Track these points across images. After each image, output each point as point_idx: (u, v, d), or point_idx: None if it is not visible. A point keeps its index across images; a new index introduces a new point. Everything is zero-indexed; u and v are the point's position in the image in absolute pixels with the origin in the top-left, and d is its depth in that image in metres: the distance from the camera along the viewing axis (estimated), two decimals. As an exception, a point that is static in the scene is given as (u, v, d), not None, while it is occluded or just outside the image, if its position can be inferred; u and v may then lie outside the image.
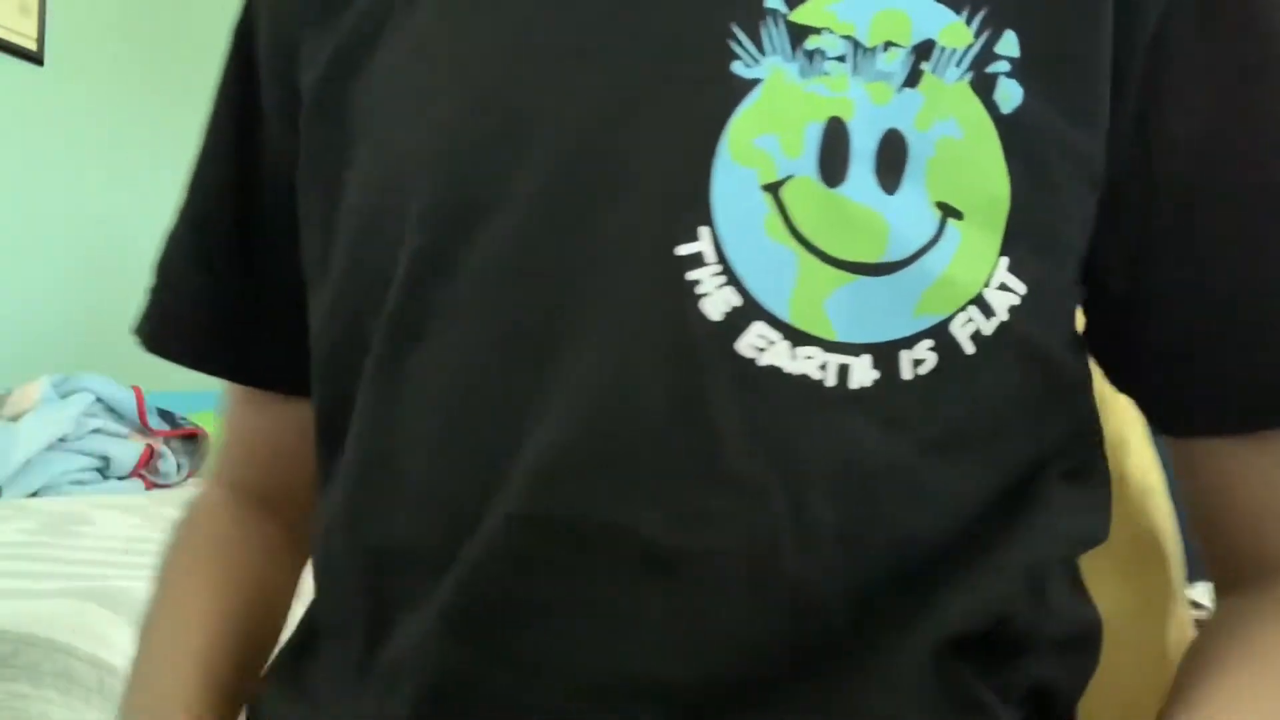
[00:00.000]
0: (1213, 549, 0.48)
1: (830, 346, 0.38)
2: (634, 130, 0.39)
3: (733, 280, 0.38)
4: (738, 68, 0.39)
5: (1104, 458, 0.46)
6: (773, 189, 0.38)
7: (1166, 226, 0.42)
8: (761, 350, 0.38)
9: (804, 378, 0.38)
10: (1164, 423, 0.47)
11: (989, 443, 0.41)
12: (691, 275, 0.38)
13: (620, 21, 0.41)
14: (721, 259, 0.38)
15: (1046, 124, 0.39)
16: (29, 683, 0.94)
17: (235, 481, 0.61)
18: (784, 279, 0.38)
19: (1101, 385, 0.46)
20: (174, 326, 0.57)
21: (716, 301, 0.38)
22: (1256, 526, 0.46)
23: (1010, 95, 0.39)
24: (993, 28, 0.39)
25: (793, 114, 0.38)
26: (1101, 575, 0.47)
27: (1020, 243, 0.39)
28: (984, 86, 0.39)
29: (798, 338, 0.38)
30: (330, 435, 0.47)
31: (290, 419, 0.57)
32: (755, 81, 0.39)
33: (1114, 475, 0.48)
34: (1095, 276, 0.43)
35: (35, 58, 2.45)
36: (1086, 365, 0.44)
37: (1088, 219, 0.41)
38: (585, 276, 0.39)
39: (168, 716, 0.49)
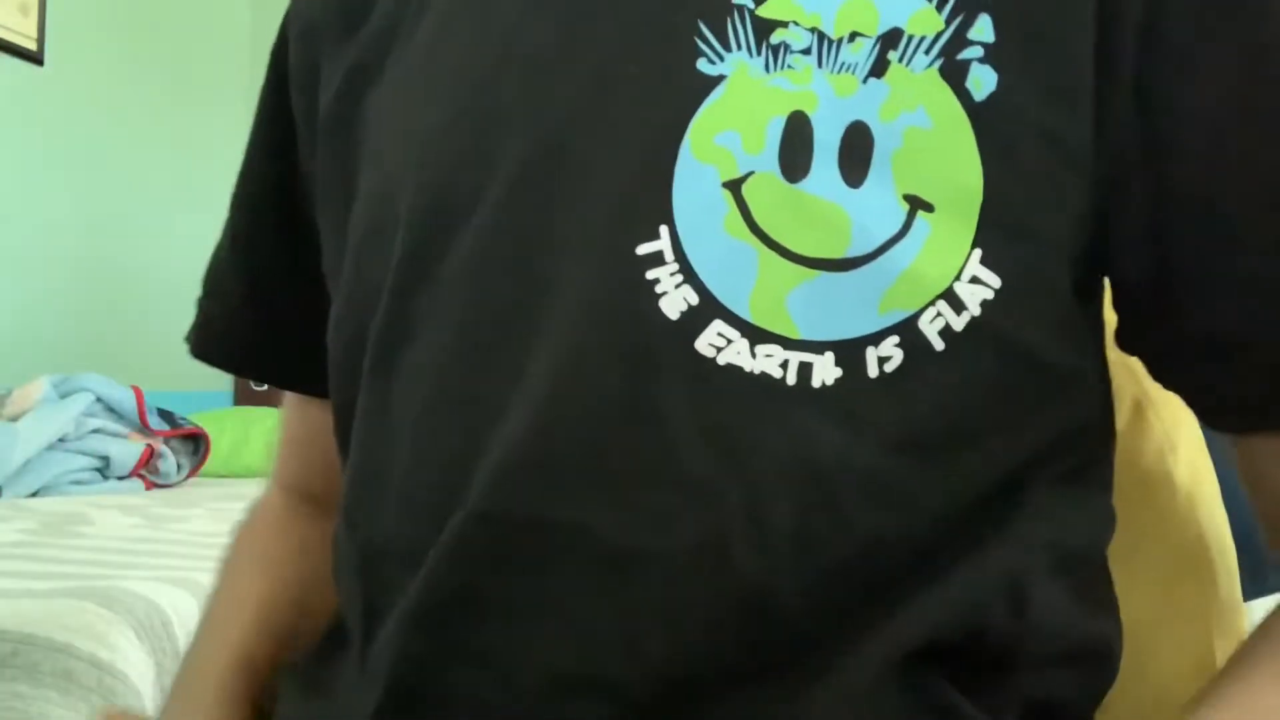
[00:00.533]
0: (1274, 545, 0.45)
1: (791, 344, 0.38)
2: (597, 131, 0.40)
3: (690, 279, 0.38)
4: (702, 65, 0.39)
5: (1110, 462, 0.45)
6: (733, 186, 0.38)
7: (1186, 200, 0.39)
8: (720, 349, 0.38)
9: (764, 376, 0.38)
10: (1215, 419, 0.44)
11: (963, 443, 0.39)
12: (651, 274, 0.38)
13: (590, 24, 0.41)
14: (680, 257, 0.38)
15: (1022, 110, 0.38)
16: (29, 683, 0.94)
17: (290, 483, 0.64)
18: (744, 276, 0.38)
19: (1148, 384, 0.44)
20: (218, 334, 0.60)
21: (675, 300, 0.38)
22: None
23: (983, 81, 0.38)
24: (965, 12, 0.38)
25: (755, 110, 0.38)
26: (1136, 582, 0.47)
27: (995, 233, 0.38)
28: (955, 74, 0.38)
29: (757, 336, 0.38)
30: (343, 439, 0.49)
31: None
32: (719, 78, 0.39)
33: (1159, 480, 0.46)
34: (1115, 266, 0.41)
35: (35, 58, 2.45)
36: (1087, 361, 0.42)
37: (1076, 205, 0.39)
38: (546, 278, 0.40)
39: (200, 691, 0.54)
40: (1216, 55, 0.39)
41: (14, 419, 1.94)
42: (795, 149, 0.38)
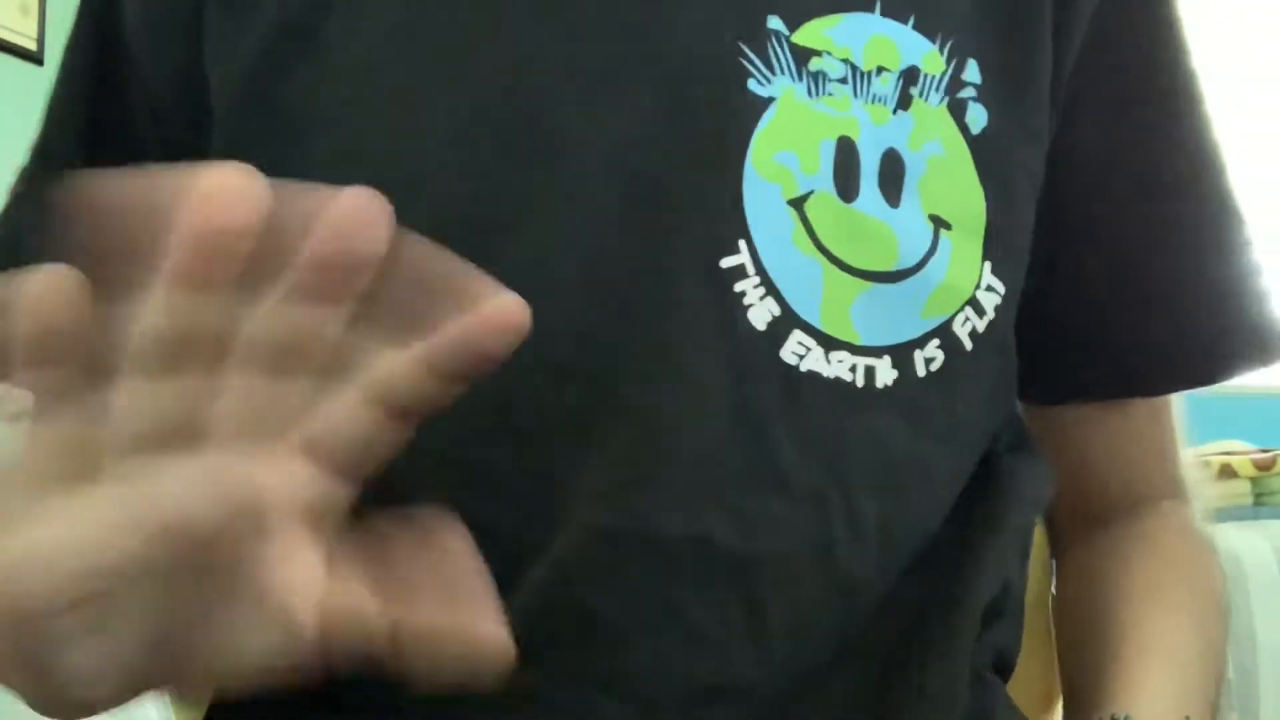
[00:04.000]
0: (1063, 497, 0.54)
1: (856, 350, 0.41)
2: (665, 146, 0.40)
3: (771, 290, 0.40)
4: (753, 85, 0.40)
5: (1032, 434, 0.52)
6: (796, 204, 0.40)
7: (1067, 228, 0.48)
8: (801, 357, 0.40)
9: (838, 380, 0.40)
10: (1038, 392, 0.52)
11: (977, 428, 0.45)
12: (738, 287, 0.40)
13: (632, 39, 0.41)
14: (760, 270, 0.40)
15: (1007, 144, 0.44)
16: (29, 683, 0.93)
17: None
18: (813, 288, 0.40)
19: None
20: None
21: (761, 311, 0.40)
22: (1105, 476, 0.54)
23: (978, 118, 0.43)
24: (959, 56, 0.43)
25: (807, 131, 0.40)
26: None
27: (997, 249, 0.43)
28: (958, 110, 0.43)
29: (829, 343, 0.40)
30: None
31: None
32: (770, 100, 0.40)
33: None
34: None
35: (35, 58, 2.45)
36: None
37: (1031, 224, 0.46)
38: (635, 291, 0.40)
39: None
40: (1108, 91, 0.48)
41: (14, 419, 1.94)
42: (847, 170, 0.41)
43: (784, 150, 0.40)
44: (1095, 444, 0.53)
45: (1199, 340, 0.50)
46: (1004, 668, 0.49)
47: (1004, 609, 0.46)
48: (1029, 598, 0.53)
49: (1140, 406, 0.53)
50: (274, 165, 0.42)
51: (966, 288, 0.42)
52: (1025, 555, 0.48)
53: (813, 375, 0.40)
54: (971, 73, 0.43)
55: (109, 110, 0.48)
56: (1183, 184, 0.50)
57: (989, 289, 0.43)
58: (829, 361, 0.40)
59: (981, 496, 0.45)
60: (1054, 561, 0.57)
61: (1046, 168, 0.46)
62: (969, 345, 0.43)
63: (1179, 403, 0.55)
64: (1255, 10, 2.46)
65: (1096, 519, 0.54)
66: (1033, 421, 0.53)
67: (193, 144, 0.45)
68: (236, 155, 0.43)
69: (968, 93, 0.43)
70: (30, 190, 0.50)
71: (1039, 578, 0.57)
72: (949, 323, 0.42)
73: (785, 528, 0.40)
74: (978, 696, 0.44)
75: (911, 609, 0.42)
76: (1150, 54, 0.49)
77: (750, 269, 0.40)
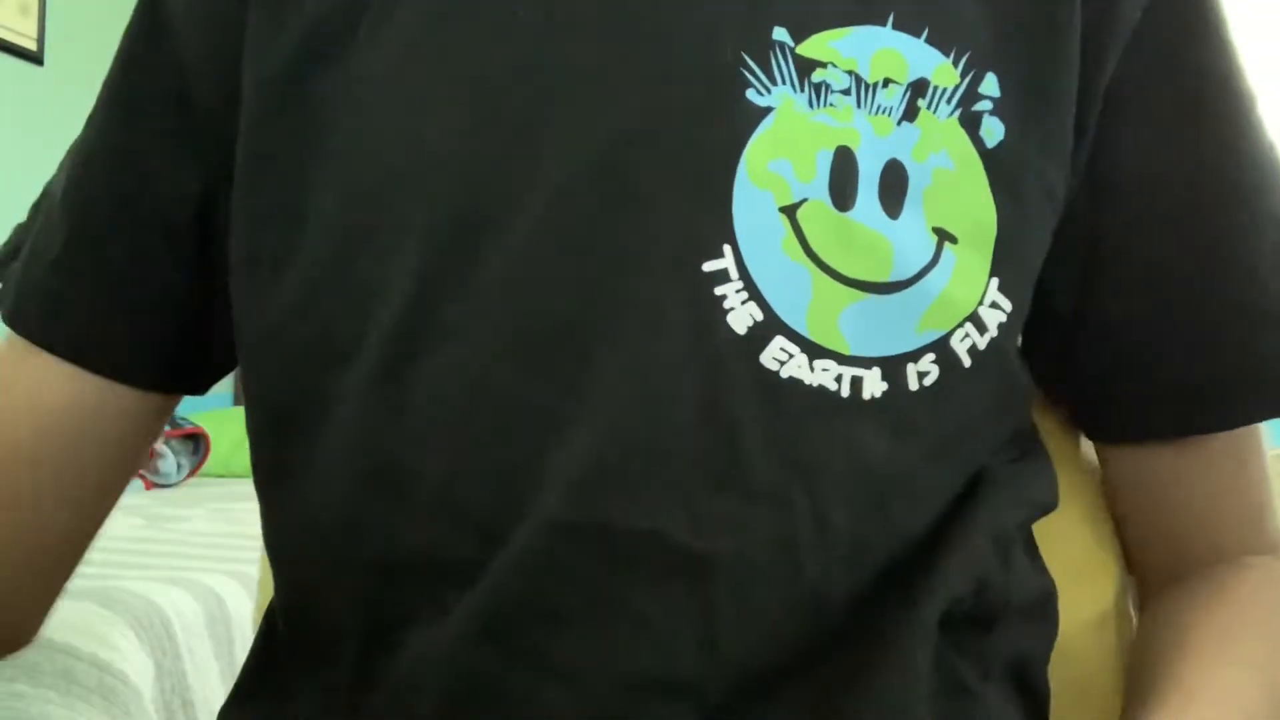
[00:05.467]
0: (1142, 550, 0.53)
1: (844, 360, 0.41)
2: (651, 149, 0.40)
3: (755, 296, 0.40)
4: (751, 95, 0.41)
5: (1044, 448, 0.50)
6: (789, 211, 0.40)
7: (1111, 253, 0.47)
8: (783, 363, 0.40)
9: (821, 389, 0.40)
10: (1102, 431, 0.52)
11: (971, 444, 0.45)
12: (719, 290, 0.40)
13: (630, 43, 0.41)
14: (744, 275, 0.40)
15: (1024, 158, 0.43)
16: (28, 683, 0.94)
17: None
18: (801, 296, 0.40)
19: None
20: (31, 295, 0.50)
21: (741, 316, 0.40)
22: (1185, 525, 0.51)
23: (993, 131, 0.43)
24: (976, 69, 0.43)
25: (804, 141, 0.41)
26: (1045, 541, 0.50)
27: (1006, 265, 0.43)
28: (971, 123, 0.42)
29: (815, 351, 0.40)
30: (289, 434, 0.45)
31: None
32: (768, 110, 0.41)
33: (1066, 457, 0.52)
34: (1042, 296, 0.46)
35: (35, 58, 2.45)
36: (1028, 376, 0.48)
37: (1046, 242, 0.45)
38: (609, 289, 0.40)
39: None
40: (1156, 108, 0.46)
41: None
42: (843, 180, 0.40)
43: (779, 158, 0.40)
44: (1170, 490, 0.51)
45: (1264, 366, 0.47)
46: (1029, 679, 0.47)
47: (994, 614, 0.45)
48: (1088, 616, 0.51)
49: (1217, 450, 0.50)
50: (294, 164, 0.45)
51: (969, 303, 0.42)
52: (1008, 556, 0.46)
53: (794, 382, 0.40)
54: (989, 86, 0.43)
55: (142, 95, 0.50)
56: (1239, 200, 0.47)
57: (994, 305, 0.43)
58: (813, 369, 0.40)
59: (967, 501, 0.45)
60: (1136, 609, 0.55)
61: (1084, 186, 0.45)
62: (967, 362, 0.42)
63: (1270, 450, 0.51)
64: (1256, 10, 2.47)
65: (1177, 571, 0.51)
66: (1107, 465, 0.52)
67: (219, 135, 0.47)
68: (261, 153, 0.46)
69: (984, 105, 0.43)
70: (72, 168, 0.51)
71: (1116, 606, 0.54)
72: (946, 338, 0.42)
73: (743, 529, 0.40)
74: (953, 704, 0.43)
75: (875, 613, 0.42)
76: (1201, 65, 0.47)
77: (733, 273, 0.40)
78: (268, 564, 0.65)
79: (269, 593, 0.63)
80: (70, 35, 2.53)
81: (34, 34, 2.45)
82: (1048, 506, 0.49)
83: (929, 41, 0.42)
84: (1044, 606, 0.49)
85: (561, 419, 0.40)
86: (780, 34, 0.41)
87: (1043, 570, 0.49)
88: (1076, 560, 0.52)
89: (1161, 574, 0.52)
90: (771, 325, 0.40)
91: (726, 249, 0.40)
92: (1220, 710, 0.42)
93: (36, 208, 0.53)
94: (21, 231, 0.52)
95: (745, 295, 0.40)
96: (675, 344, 0.40)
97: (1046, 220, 0.44)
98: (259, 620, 0.60)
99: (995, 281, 0.42)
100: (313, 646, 0.46)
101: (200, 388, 0.53)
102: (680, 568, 0.40)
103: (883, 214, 0.41)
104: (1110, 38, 0.45)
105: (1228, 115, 0.47)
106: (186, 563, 1.25)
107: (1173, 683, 0.44)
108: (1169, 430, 0.49)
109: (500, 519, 0.41)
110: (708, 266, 0.40)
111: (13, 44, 2.40)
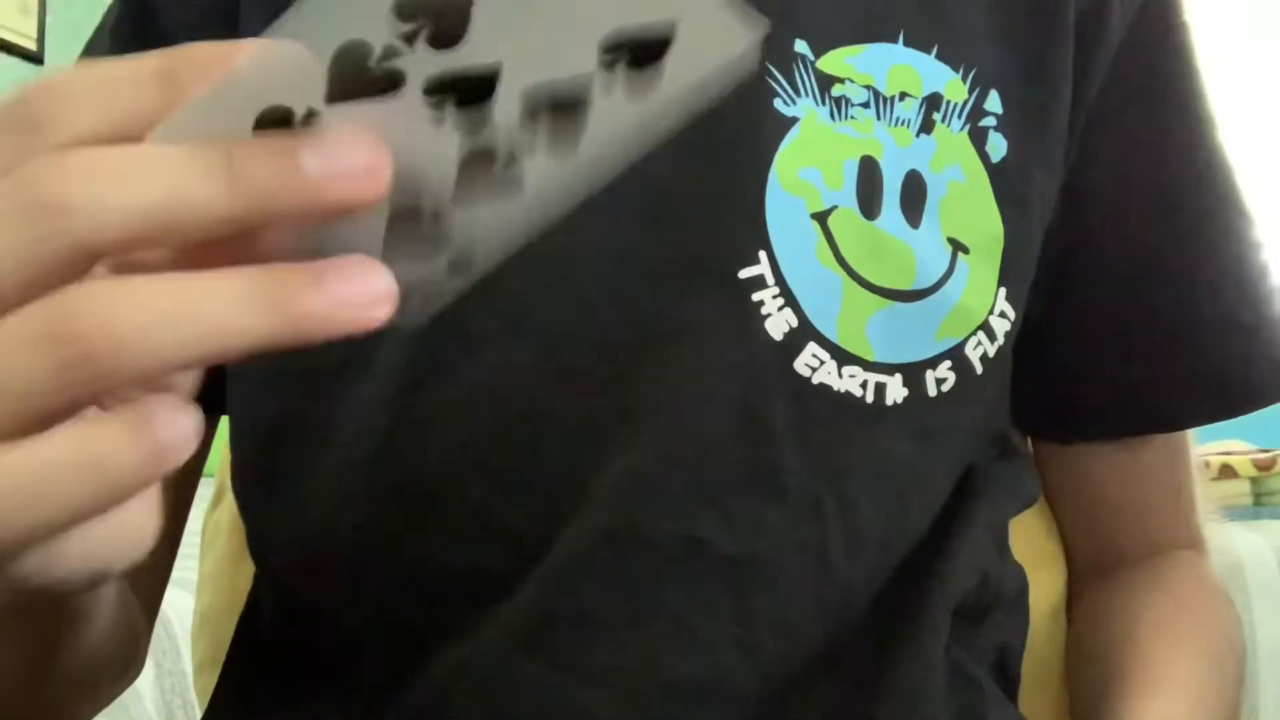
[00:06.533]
0: (1078, 542, 0.56)
1: (869, 366, 0.41)
2: (684, 156, 0.40)
3: (790, 302, 0.40)
4: (779, 105, 0.41)
5: (1021, 445, 0.53)
6: (820, 218, 0.40)
7: (1079, 260, 0.49)
8: (814, 369, 0.41)
9: (848, 395, 0.41)
10: (1052, 431, 0.53)
11: (974, 445, 0.47)
12: (755, 296, 0.40)
13: None
14: (780, 281, 0.40)
15: (1025, 173, 0.44)
16: (29, 683, 0.94)
17: None
18: (832, 302, 0.41)
19: None
20: None
21: (778, 322, 0.40)
22: (1121, 520, 0.54)
23: (997, 147, 0.44)
24: (981, 86, 0.44)
25: (830, 151, 0.41)
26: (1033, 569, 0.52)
27: (1012, 275, 0.44)
28: (978, 138, 0.44)
29: (843, 358, 0.41)
30: (284, 442, 0.44)
31: None
32: (794, 120, 0.41)
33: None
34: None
35: (35, 58, 2.45)
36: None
37: (1038, 256, 0.47)
38: (647, 297, 0.40)
39: None
40: (1131, 125, 0.48)
41: None
42: (870, 189, 0.41)
43: (808, 166, 0.41)
44: (1111, 487, 0.53)
45: (1217, 373, 0.50)
46: (1007, 666, 0.49)
47: (991, 603, 0.47)
48: (1045, 607, 0.53)
49: (1156, 450, 0.53)
50: None
51: (981, 311, 0.43)
52: (1003, 547, 0.48)
53: (823, 388, 0.40)
54: (993, 103, 0.44)
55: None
56: (1201, 217, 0.50)
57: (1001, 315, 0.44)
58: (841, 376, 0.41)
59: (954, 494, 0.46)
60: (1067, 599, 0.57)
61: (1063, 196, 0.47)
62: (979, 369, 0.43)
63: (1195, 449, 0.54)
64: (1255, 10, 2.47)
65: (1112, 564, 0.54)
66: (1049, 463, 0.54)
67: None
68: None
69: (988, 122, 0.44)
70: None
71: (1056, 590, 0.56)
72: (962, 345, 0.43)
73: (779, 533, 0.41)
74: (962, 695, 0.44)
75: (891, 609, 0.43)
76: (1170, 88, 0.50)
77: (770, 279, 0.40)
78: (209, 568, 0.63)
79: (215, 595, 0.62)
80: (70, 35, 2.53)
81: (34, 34, 2.45)
82: (1031, 501, 0.51)
83: (939, 57, 0.43)
84: (1022, 597, 0.50)
85: (602, 431, 0.40)
86: (801, 47, 0.42)
87: (1015, 563, 0.51)
88: (1031, 552, 0.54)
89: (1092, 562, 0.55)
90: (805, 332, 0.40)
91: (762, 255, 0.40)
92: (1183, 695, 0.44)
93: None
94: None
95: (781, 301, 0.40)
96: (716, 351, 0.40)
97: (1041, 235, 0.46)
98: (208, 624, 0.58)
99: (1003, 291, 0.44)
100: (323, 656, 0.45)
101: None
102: (717, 572, 0.40)
103: (905, 223, 0.41)
104: (1099, 57, 0.47)
105: (1194, 137, 0.50)
106: (186, 563, 1.25)
107: (1134, 670, 0.46)
108: (1120, 431, 0.52)
109: (538, 532, 0.40)
110: (744, 273, 0.40)
111: (13, 44, 2.40)
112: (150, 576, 0.51)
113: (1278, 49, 2.47)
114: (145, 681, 1.02)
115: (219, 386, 0.49)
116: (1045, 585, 0.55)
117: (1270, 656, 1.43)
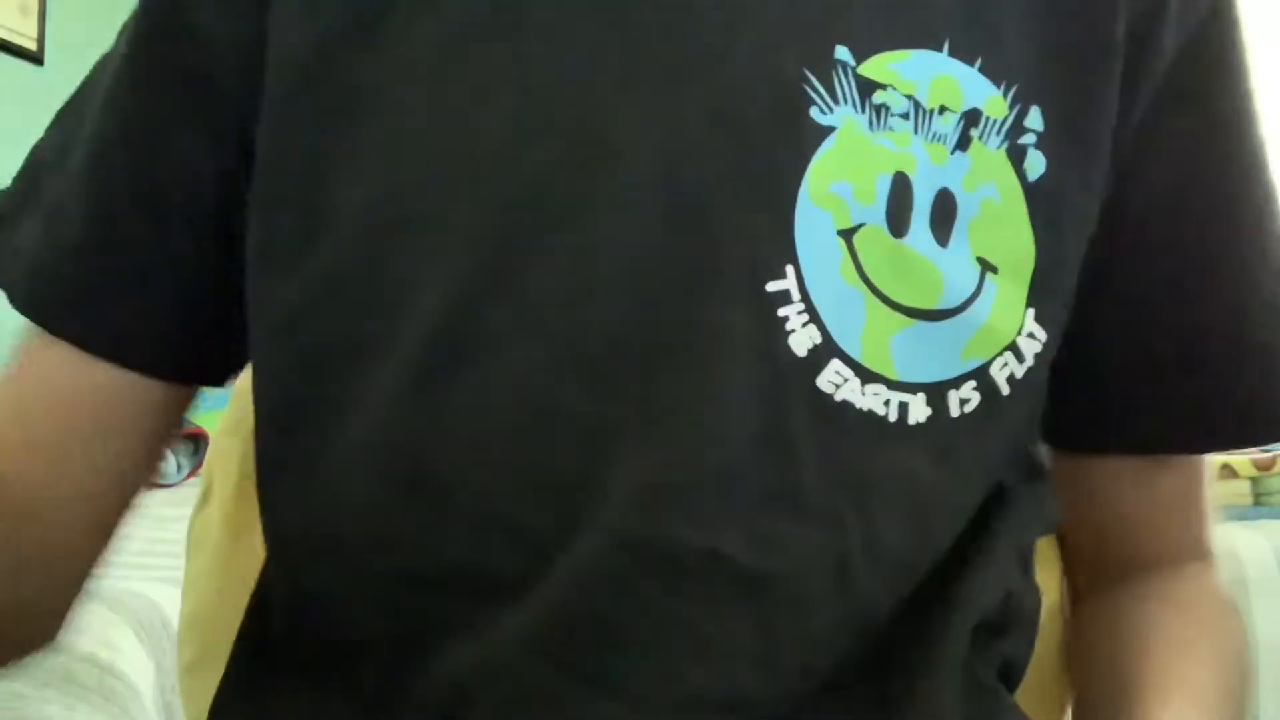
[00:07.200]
0: (1084, 549, 0.55)
1: (892, 385, 0.41)
2: (714, 161, 0.40)
3: (815, 318, 0.40)
4: (815, 113, 0.40)
5: (1045, 466, 0.53)
6: (846, 235, 0.40)
7: (1119, 278, 0.48)
8: (838, 386, 0.40)
9: (870, 413, 0.41)
10: (1073, 440, 0.52)
11: (998, 463, 0.46)
12: (781, 311, 0.40)
13: (692, 53, 0.41)
14: (805, 297, 0.40)
15: (1063, 192, 0.43)
16: (28, 682, 0.94)
17: None
18: (855, 319, 0.40)
19: None
20: (45, 274, 0.48)
21: (802, 338, 0.40)
22: (1134, 531, 0.53)
23: (1036, 165, 0.43)
24: (1023, 102, 0.43)
25: (865, 163, 0.40)
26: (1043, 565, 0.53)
27: (1043, 296, 0.43)
28: (1016, 155, 0.43)
29: (866, 375, 0.41)
30: (298, 429, 0.44)
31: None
32: (831, 129, 0.40)
33: None
34: None
35: (35, 58, 2.45)
36: None
37: (1078, 272, 0.45)
38: (671, 304, 0.40)
39: None
40: (1180, 147, 0.47)
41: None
42: (900, 206, 0.41)
43: (840, 180, 0.40)
44: (1128, 499, 0.53)
45: (1248, 401, 0.50)
46: (1011, 677, 0.49)
47: (1010, 620, 0.47)
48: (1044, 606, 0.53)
49: (1179, 465, 0.52)
50: (317, 149, 0.43)
51: (1008, 332, 0.43)
52: (1027, 567, 0.48)
53: (846, 405, 0.40)
54: (1034, 120, 0.43)
55: (157, 71, 0.46)
56: (1247, 249, 0.49)
57: (1030, 336, 0.43)
58: (864, 394, 0.41)
59: (981, 512, 0.46)
60: (1068, 604, 0.57)
61: (1105, 213, 0.46)
62: (1006, 390, 0.43)
63: (1211, 464, 0.54)
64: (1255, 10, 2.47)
65: (1120, 572, 0.53)
66: (1064, 470, 0.53)
67: (239, 115, 0.45)
68: (282, 134, 0.44)
69: (1028, 139, 0.43)
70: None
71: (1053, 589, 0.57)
72: (987, 366, 0.42)
73: (800, 549, 0.41)
74: (976, 704, 0.45)
75: (913, 625, 0.43)
76: (1225, 109, 0.49)
77: (795, 294, 0.40)
78: (196, 569, 0.64)
79: (202, 597, 0.62)
80: (70, 35, 2.53)
81: (34, 34, 2.45)
82: (1054, 524, 0.51)
83: (982, 71, 0.42)
84: (1037, 612, 0.50)
85: (621, 436, 0.40)
86: (842, 53, 0.41)
87: (1036, 583, 0.51)
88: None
89: (1099, 569, 0.54)
90: (829, 348, 0.40)
91: (789, 269, 0.40)
92: (1196, 701, 0.44)
93: (25, 175, 0.49)
94: (7, 200, 0.49)
95: (806, 317, 0.40)
96: (740, 364, 0.40)
97: (1080, 250, 0.45)
98: (195, 626, 0.58)
99: (1031, 312, 0.43)
100: (328, 651, 0.45)
101: (221, 379, 0.52)
102: (738, 586, 0.40)
103: (934, 242, 0.41)
104: (1147, 77, 0.46)
105: (1244, 163, 0.49)
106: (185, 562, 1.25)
107: (1148, 677, 0.46)
108: (1150, 447, 0.51)
109: (552, 535, 0.40)
110: (771, 286, 0.40)
111: (13, 44, 2.40)
112: (96, 535, 0.49)
113: (1278, 49, 2.47)
114: (145, 681, 1.02)
115: (203, 355, 0.49)
116: (1045, 585, 0.55)
117: (1270, 655, 1.43)
